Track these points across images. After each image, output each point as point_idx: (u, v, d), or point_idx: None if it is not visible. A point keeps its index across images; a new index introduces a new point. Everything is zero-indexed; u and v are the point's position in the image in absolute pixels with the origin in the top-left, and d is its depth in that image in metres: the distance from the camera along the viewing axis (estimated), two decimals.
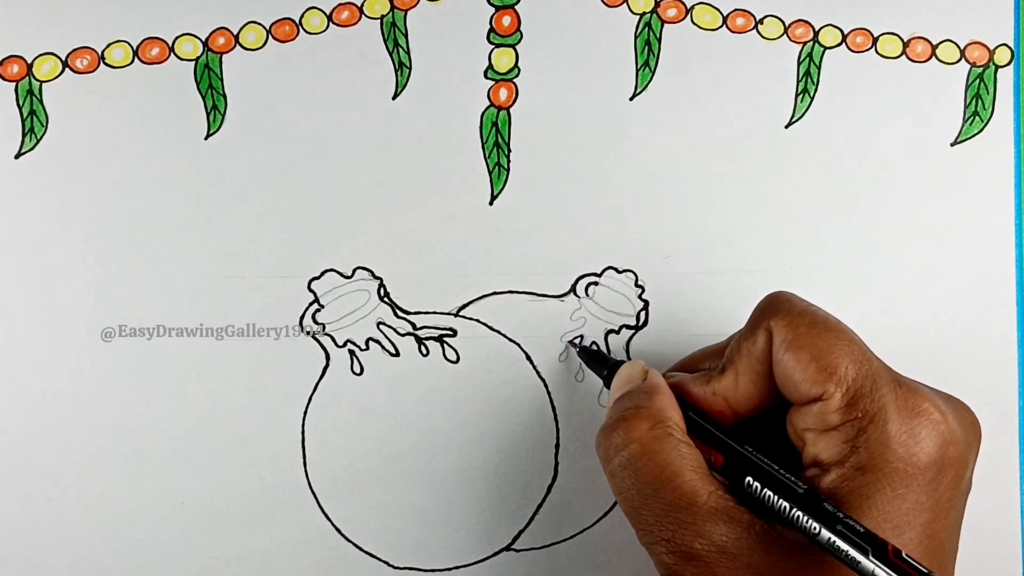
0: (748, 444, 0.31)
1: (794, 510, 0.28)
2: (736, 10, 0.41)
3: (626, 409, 0.31)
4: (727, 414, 0.32)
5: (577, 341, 0.39)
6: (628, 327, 0.40)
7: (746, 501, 0.29)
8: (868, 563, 0.26)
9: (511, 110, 0.41)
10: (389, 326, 0.40)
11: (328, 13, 0.41)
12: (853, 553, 0.26)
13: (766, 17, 0.41)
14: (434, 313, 0.40)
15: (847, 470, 0.28)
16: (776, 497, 0.29)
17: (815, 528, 0.27)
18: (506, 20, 0.41)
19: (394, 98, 0.41)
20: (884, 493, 0.28)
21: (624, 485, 0.30)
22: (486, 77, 0.41)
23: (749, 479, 0.30)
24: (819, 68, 0.41)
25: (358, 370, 0.40)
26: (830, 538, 0.27)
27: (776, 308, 0.31)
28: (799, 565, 0.28)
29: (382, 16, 0.41)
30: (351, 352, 0.40)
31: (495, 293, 0.40)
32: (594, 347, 0.40)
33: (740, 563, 0.28)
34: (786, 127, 0.41)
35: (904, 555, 0.26)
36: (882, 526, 0.27)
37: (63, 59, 0.40)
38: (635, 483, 0.30)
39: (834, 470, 0.29)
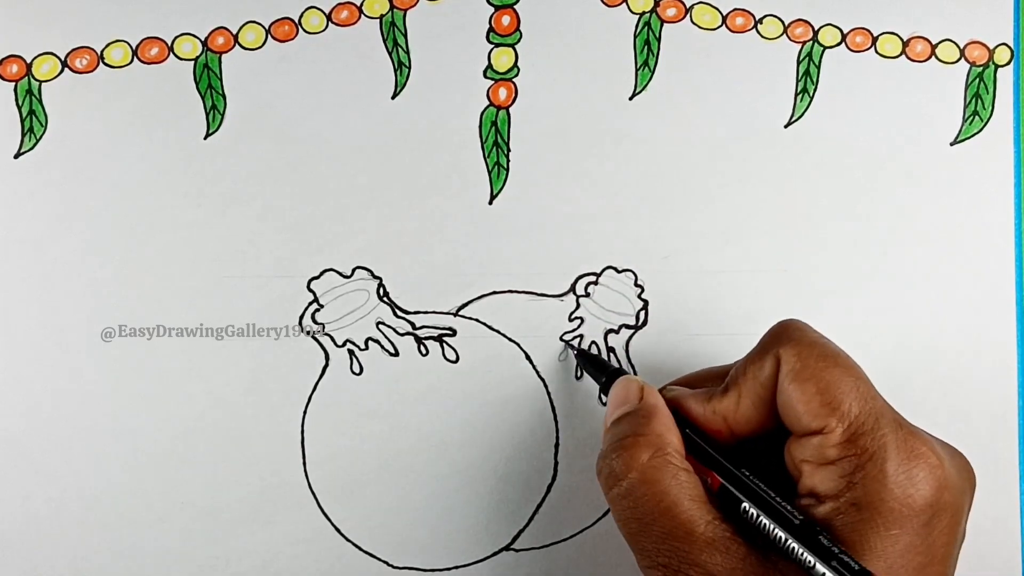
0: (745, 467, 0.31)
1: (790, 541, 0.28)
2: (735, 10, 0.41)
3: (625, 436, 0.32)
4: (724, 434, 0.32)
5: (576, 342, 0.39)
6: (627, 326, 0.40)
7: (742, 527, 0.30)
8: None
9: (510, 109, 0.41)
10: (388, 326, 0.40)
11: (327, 13, 0.41)
12: None
13: (766, 17, 0.42)
14: (433, 313, 0.40)
15: (842, 504, 0.29)
16: (772, 526, 0.29)
17: (810, 562, 0.28)
18: (505, 20, 0.41)
19: (393, 97, 0.41)
20: (878, 532, 0.28)
21: (624, 514, 0.30)
22: (485, 77, 0.41)
23: (746, 505, 0.30)
24: (819, 68, 0.41)
25: (358, 370, 0.40)
26: (825, 574, 0.27)
27: (787, 336, 0.31)
28: None
29: (381, 16, 0.41)
30: (350, 352, 0.40)
31: (494, 293, 0.41)
32: (593, 349, 0.40)
33: None
34: (785, 127, 0.41)
35: None
36: (874, 564, 0.28)
37: (62, 59, 0.41)
38: (634, 512, 0.30)
39: (829, 503, 0.29)
